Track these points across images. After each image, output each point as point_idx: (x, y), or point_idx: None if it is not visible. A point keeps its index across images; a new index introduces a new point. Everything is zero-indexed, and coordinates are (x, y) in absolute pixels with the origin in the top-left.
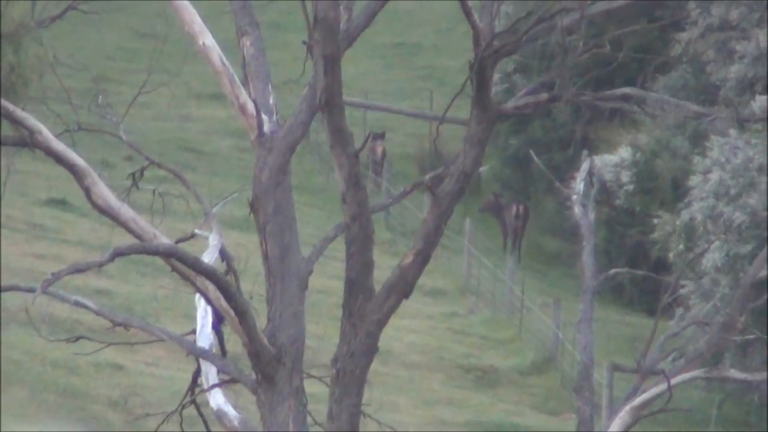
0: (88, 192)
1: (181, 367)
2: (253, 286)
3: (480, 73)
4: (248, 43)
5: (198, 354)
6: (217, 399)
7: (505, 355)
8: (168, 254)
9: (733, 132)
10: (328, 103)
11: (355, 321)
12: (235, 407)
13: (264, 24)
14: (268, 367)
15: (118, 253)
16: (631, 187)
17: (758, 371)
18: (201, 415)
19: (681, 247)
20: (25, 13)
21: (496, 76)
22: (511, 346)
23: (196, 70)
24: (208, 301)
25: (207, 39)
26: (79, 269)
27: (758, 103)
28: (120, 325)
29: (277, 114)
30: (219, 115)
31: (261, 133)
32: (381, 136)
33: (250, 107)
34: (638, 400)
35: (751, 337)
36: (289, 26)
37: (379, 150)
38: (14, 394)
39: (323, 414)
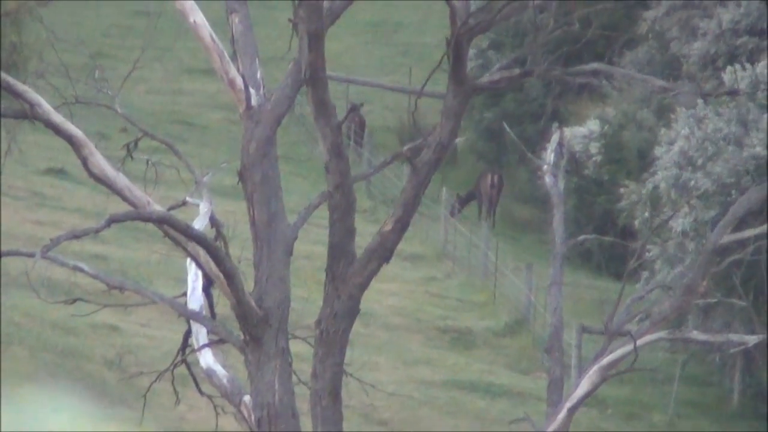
0: (85, 162)
1: (173, 328)
2: (241, 251)
3: (456, 49)
4: (237, 20)
5: (189, 316)
6: (206, 358)
7: (480, 318)
8: (161, 221)
9: (699, 103)
10: (313, 77)
11: (337, 284)
12: (223, 366)
13: (252, 2)
14: (256, 329)
15: (114, 220)
16: (599, 157)
17: (719, 333)
18: (191, 373)
19: (646, 214)
20: None
21: (471, 52)
22: (485, 309)
23: (187, 46)
24: (199, 266)
25: (198, 16)
26: (76, 235)
27: (728, 74)
28: (115, 288)
29: (264, 88)
30: (209, 89)
31: (249, 106)
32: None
33: (239, 82)
34: (606, 361)
35: (713, 300)
36: (275, 4)
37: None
38: (14, 353)
39: (308, 373)
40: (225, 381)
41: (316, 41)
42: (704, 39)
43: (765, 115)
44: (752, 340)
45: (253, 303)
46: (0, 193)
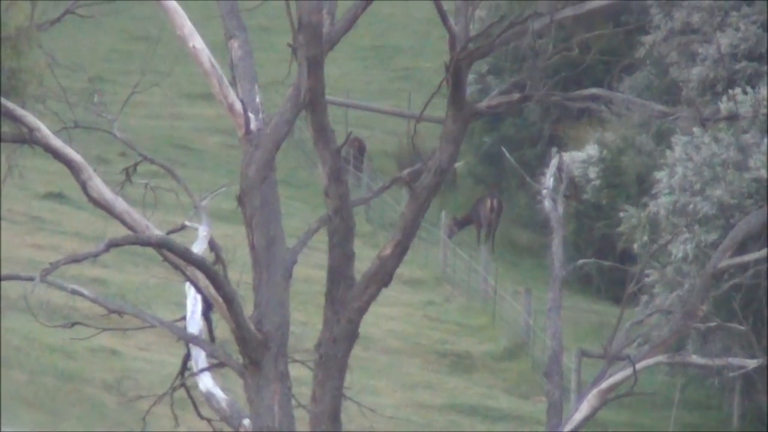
0: (84, 186)
1: (172, 352)
2: (240, 275)
3: (455, 74)
4: (236, 45)
5: (188, 339)
6: (206, 382)
7: (479, 341)
8: (160, 245)
9: (696, 130)
10: (312, 102)
11: (337, 308)
12: (223, 390)
13: (251, 27)
14: (255, 352)
15: (113, 244)
16: (598, 182)
17: (719, 357)
18: (190, 397)
19: (645, 238)
20: (24, 16)
21: (470, 77)
22: (484, 333)
23: (186, 71)
24: (198, 290)
25: (197, 41)
26: (75, 259)
27: (724, 102)
28: (114, 311)
29: (263, 112)
30: (208, 114)
31: (248, 130)
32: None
33: (238, 106)
34: (605, 384)
35: (712, 324)
36: (275, 29)
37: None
38: (14, 377)
39: (307, 396)
40: (224, 404)
41: (315, 66)
42: (703, 64)
43: (765, 139)
44: (752, 363)
45: (252, 327)
46: None
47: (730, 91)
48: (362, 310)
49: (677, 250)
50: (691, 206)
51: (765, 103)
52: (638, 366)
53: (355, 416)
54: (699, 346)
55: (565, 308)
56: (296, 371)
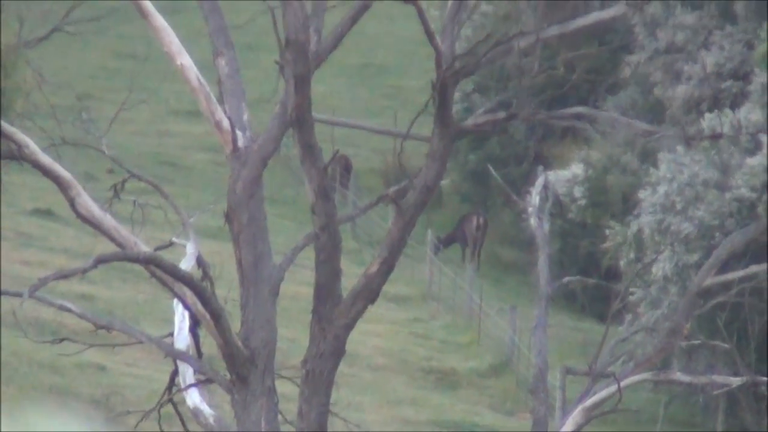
0: (72, 202)
1: (160, 368)
2: (227, 291)
3: (441, 92)
4: (224, 63)
5: (175, 355)
6: (193, 398)
7: (464, 358)
8: (148, 261)
9: (680, 149)
10: (299, 119)
11: (323, 325)
12: (210, 406)
13: (239, 45)
14: (242, 368)
15: (101, 260)
16: (583, 200)
17: (703, 374)
18: (178, 413)
19: (630, 256)
20: (12, 34)
21: (456, 96)
22: (470, 350)
23: (173, 89)
24: (186, 306)
25: (184, 59)
26: (63, 275)
27: (707, 121)
28: (102, 327)
29: (250, 130)
30: (195, 131)
31: (235, 147)
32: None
33: (225, 123)
34: (590, 402)
35: (696, 342)
36: (262, 47)
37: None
38: (3, 392)
39: (293, 412)
40: (211, 420)
41: (302, 84)
42: (688, 83)
43: (747, 159)
44: (736, 381)
45: (239, 343)
46: None
47: (710, 114)
48: (349, 327)
49: (657, 269)
50: (674, 226)
51: (748, 123)
52: (623, 383)
53: None
54: (683, 364)
55: (550, 325)
56: (283, 387)
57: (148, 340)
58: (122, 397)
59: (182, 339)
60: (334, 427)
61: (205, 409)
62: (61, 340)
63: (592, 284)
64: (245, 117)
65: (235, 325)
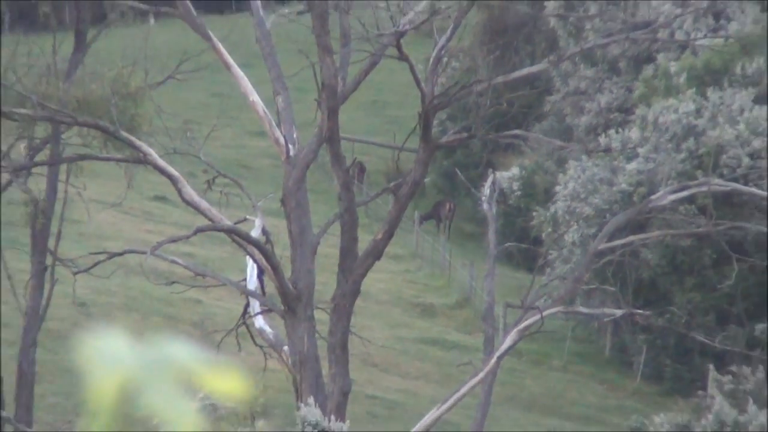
0: (180, 192)
1: (238, 302)
2: (282, 251)
3: (425, 120)
4: (280, 99)
5: (248, 293)
6: (259, 322)
7: (439, 296)
8: (230, 231)
9: (584, 158)
10: (330, 137)
11: (346, 274)
12: (270, 327)
13: (291, 87)
14: (292, 302)
15: (199, 230)
16: (518, 192)
17: (597, 308)
18: (249, 331)
19: (549, 230)
20: (140, 79)
21: (435, 122)
22: (443, 291)
23: (248, 117)
24: (254, 261)
25: (254, 96)
26: (173, 240)
27: (603, 139)
28: (199, 274)
29: (298, 144)
30: (262, 145)
31: (288, 156)
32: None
33: (281, 140)
34: (522, 325)
35: (593, 287)
36: (307, 89)
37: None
38: (132, 318)
39: (326, 332)
40: (271, 336)
41: (333, 114)
42: (588, 114)
43: (627, 165)
44: (618, 313)
45: (290, 286)
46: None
47: (604, 135)
48: (362, 275)
49: (568, 238)
50: (578, 209)
51: (627, 141)
52: (544, 313)
53: (357, 345)
54: (584, 301)
55: (496, 275)
56: (319, 315)
57: (229, 283)
58: (213, 321)
59: (252, 282)
60: (352, 341)
61: (267, 329)
62: (172, 282)
63: (524, 248)
64: (295, 135)
65: (287, 273)
